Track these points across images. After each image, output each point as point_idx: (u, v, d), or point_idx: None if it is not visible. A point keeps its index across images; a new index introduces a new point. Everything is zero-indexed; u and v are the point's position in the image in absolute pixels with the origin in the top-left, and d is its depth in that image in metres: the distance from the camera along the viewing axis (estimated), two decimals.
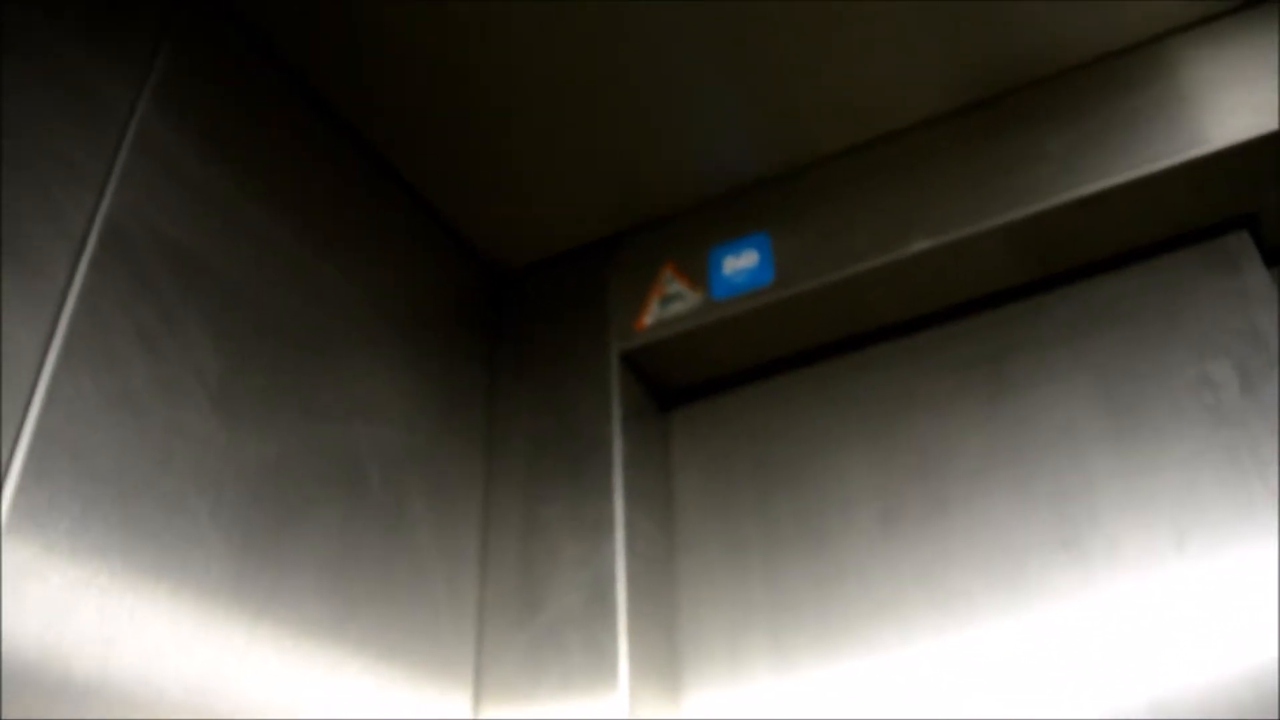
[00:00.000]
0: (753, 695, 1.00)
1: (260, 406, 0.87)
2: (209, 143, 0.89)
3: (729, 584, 1.06)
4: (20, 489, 0.65)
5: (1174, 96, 0.98)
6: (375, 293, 1.06)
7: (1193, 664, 0.84)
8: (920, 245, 1.02)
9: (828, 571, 1.01)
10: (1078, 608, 0.89)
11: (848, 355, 1.12)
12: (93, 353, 0.73)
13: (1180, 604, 0.86)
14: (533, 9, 0.96)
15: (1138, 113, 0.98)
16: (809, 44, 0.99)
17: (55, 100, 0.77)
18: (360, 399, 0.99)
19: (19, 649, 0.63)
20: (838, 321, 1.10)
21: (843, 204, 1.08)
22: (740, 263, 1.11)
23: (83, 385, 0.71)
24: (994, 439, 1.00)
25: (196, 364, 0.81)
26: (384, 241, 1.10)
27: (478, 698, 1.02)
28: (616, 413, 1.10)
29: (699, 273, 1.13)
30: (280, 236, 0.95)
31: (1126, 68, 1.01)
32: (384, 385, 1.03)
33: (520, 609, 1.04)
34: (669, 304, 1.13)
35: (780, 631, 1.01)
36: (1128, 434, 0.94)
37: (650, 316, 1.13)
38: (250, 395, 0.86)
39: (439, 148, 1.10)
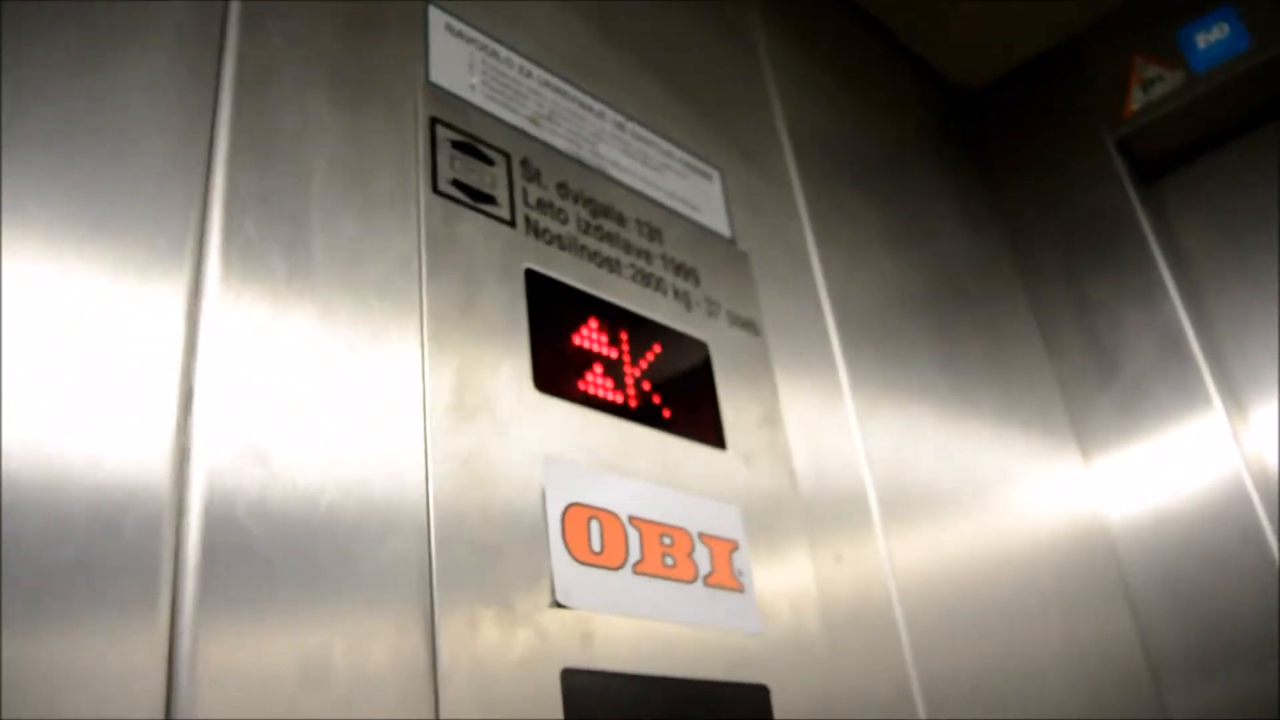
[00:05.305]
0: None
1: None
2: None
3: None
4: None
5: None
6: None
7: None
8: None
9: None
10: None
11: None
12: None
13: None
14: None
15: None
16: None
17: None
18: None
19: None
20: None
21: None
22: (1213, 36, 1.25)
23: None
24: None
25: None
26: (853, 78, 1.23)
27: (1083, 449, 1.22)
28: (1127, 192, 1.26)
29: (1171, 53, 1.27)
30: None
31: None
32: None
33: (1098, 377, 1.23)
34: (1151, 88, 1.27)
35: None
36: None
37: (1135, 103, 1.27)
38: None
39: None
